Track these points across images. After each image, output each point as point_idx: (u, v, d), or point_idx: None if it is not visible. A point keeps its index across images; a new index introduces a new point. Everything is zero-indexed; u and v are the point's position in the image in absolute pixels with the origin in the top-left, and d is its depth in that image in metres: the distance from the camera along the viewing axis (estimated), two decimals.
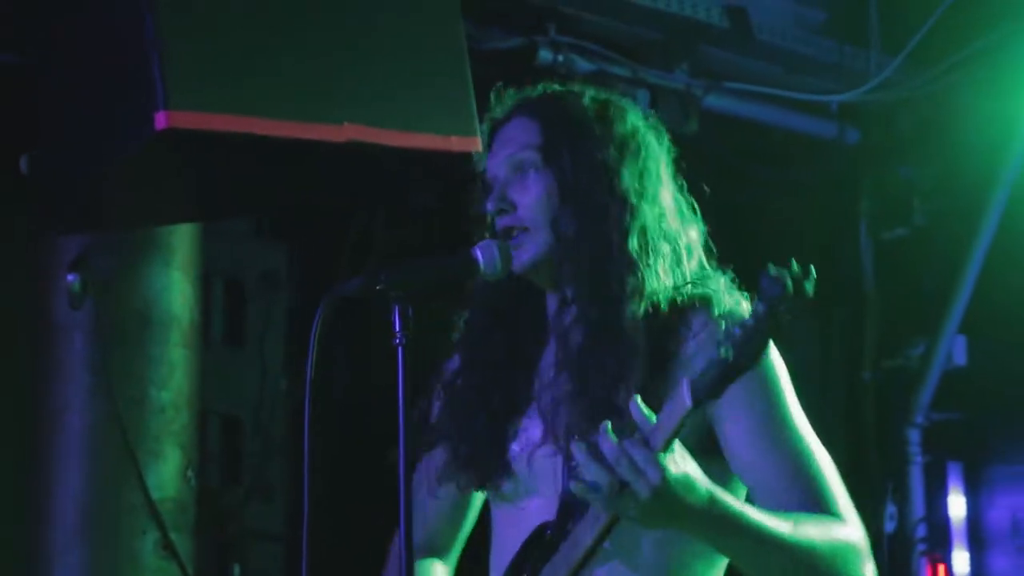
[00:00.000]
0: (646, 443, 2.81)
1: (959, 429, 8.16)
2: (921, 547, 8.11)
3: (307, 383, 3.18)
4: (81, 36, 4.59)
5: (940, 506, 8.16)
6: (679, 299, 3.23)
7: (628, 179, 3.26)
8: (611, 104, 3.38)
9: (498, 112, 3.42)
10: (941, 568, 8.10)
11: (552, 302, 3.33)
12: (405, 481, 3.05)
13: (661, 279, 3.23)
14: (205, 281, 6.38)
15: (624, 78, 7.11)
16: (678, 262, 3.28)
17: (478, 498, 3.58)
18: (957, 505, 8.12)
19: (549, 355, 3.33)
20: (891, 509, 8.09)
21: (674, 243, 3.29)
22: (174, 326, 5.84)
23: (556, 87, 3.44)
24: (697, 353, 3.04)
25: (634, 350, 3.16)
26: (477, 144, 4.45)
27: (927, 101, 7.95)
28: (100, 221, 5.33)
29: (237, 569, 6.87)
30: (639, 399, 2.85)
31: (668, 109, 7.21)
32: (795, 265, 2.67)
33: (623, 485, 2.81)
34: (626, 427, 2.88)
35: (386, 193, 5.34)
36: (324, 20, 4.47)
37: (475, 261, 3.23)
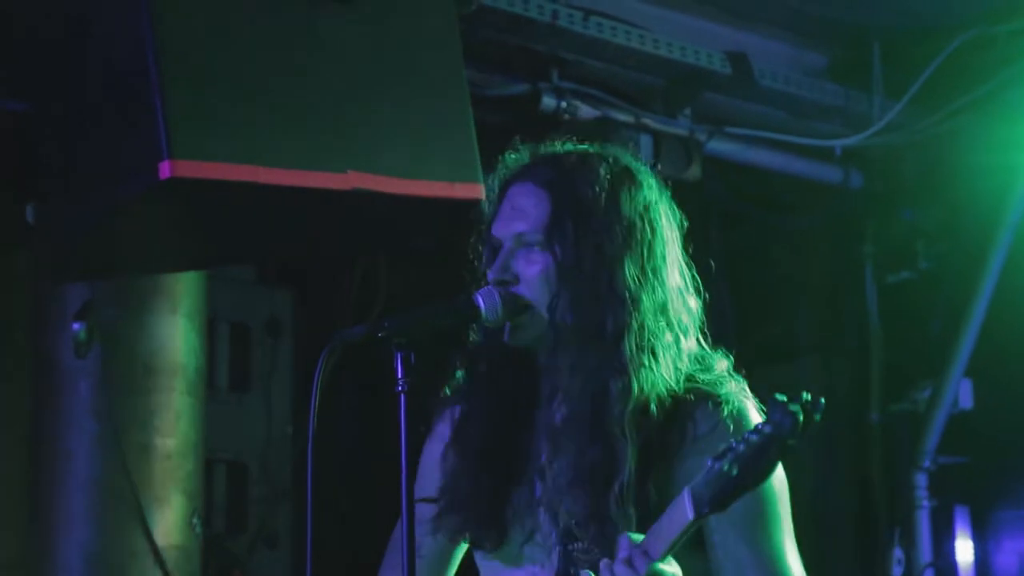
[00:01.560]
0: (645, 553, 2.84)
1: (966, 473, 8.14)
2: None
3: (310, 428, 3.18)
4: (85, 84, 4.61)
5: (948, 551, 8.13)
6: (683, 391, 3.22)
7: (631, 270, 3.22)
8: (626, 178, 3.31)
9: (514, 163, 3.39)
10: None
11: (546, 382, 3.32)
12: (408, 526, 3.05)
13: (660, 374, 3.21)
14: (210, 327, 6.39)
15: (627, 123, 7.13)
16: (679, 348, 3.26)
17: (458, 557, 3.56)
18: (964, 549, 8.09)
19: (546, 424, 3.31)
20: (898, 554, 8.07)
21: (676, 328, 3.27)
22: (179, 373, 5.86)
23: (574, 150, 3.38)
24: (701, 457, 2.99)
25: (621, 448, 3.14)
26: (480, 191, 4.46)
27: (931, 145, 7.97)
28: (105, 268, 5.34)
29: None
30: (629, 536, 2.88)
31: (671, 154, 7.23)
32: (805, 395, 2.68)
33: None
34: (613, 530, 2.94)
35: (390, 239, 5.34)
36: (328, 69, 4.49)
37: (477, 307, 3.23)
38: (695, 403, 3.20)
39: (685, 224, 3.40)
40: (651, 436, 3.17)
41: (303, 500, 3.27)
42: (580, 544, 3.03)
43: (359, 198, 4.45)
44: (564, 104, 6.87)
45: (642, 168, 3.39)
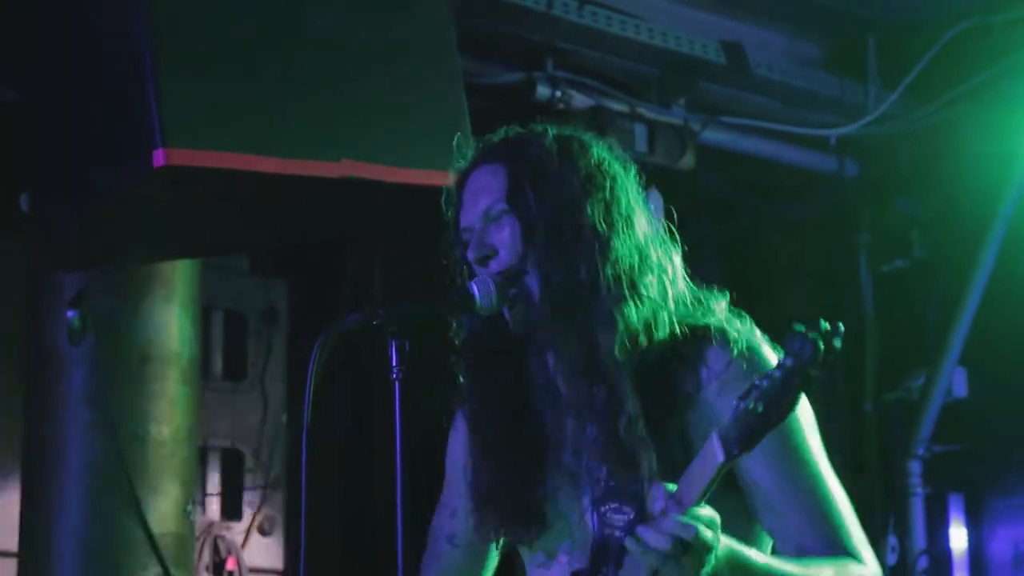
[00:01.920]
0: (680, 503, 2.83)
1: (960, 461, 8.16)
2: None
3: (305, 417, 3.19)
4: (80, 74, 4.61)
5: (941, 538, 8.15)
6: (686, 329, 3.23)
7: (594, 213, 3.23)
8: (573, 140, 3.34)
9: (463, 163, 3.42)
10: None
11: (540, 352, 3.32)
12: (403, 514, 3.06)
13: (649, 308, 3.22)
14: (205, 316, 6.39)
15: (621, 113, 7.13)
16: (665, 289, 3.28)
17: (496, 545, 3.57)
18: (958, 537, 8.11)
19: (552, 395, 3.32)
20: (892, 541, 8.09)
21: (658, 270, 3.28)
22: (174, 362, 5.86)
23: (518, 129, 3.42)
24: (721, 399, 3.02)
25: (619, 383, 3.15)
26: None
27: (926, 134, 7.98)
28: (100, 257, 5.35)
29: None
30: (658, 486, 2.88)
31: (665, 143, 7.23)
32: (824, 323, 2.68)
33: (685, 549, 2.82)
34: (640, 477, 2.91)
35: (384, 228, 5.35)
36: (321, 57, 4.49)
37: (471, 296, 3.24)
38: (705, 343, 3.18)
39: (643, 179, 3.41)
40: (654, 373, 3.17)
41: (298, 488, 3.26)
42: (613, 504, 3.02)
43: (353, 186, 4.45)
44: (559, 93, 6.88)
45: (591, 135, 3.41)
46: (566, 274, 3.20)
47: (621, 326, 3.16)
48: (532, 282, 3.23)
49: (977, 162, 7.85)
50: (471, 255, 3.29)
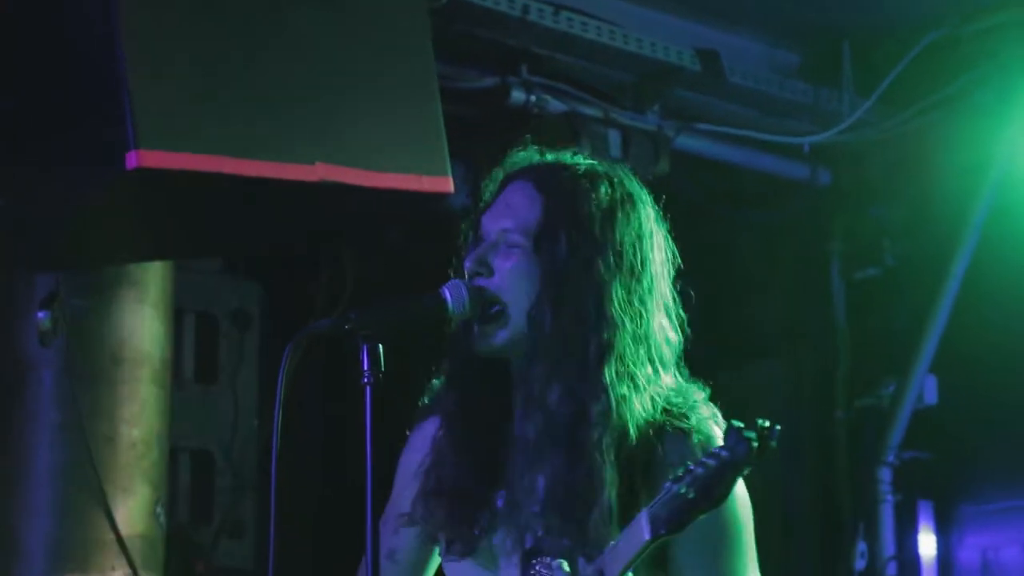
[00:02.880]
0: (601, 573, 2.84)
1: (930, 468, 8.18)
2: None
3: (275, 421, 3.19)
4: (53, 75, 4.60)
5: (911, 545, 8.17)
6: (659, 421, 3.20)
7: (619, 294, 3.20)
8: (627, 202, 3.28)
9: (517, 161, 3.37)
10: None
11: (519, 390, 3.30)
12: (373, 520, 3.06)
13: (638, 403, 3.18)
14: (177, 318, 6.37)
15: (596, 119, 7.14)
16: (658, 380, 3.24)
17: (433, 565, 3.56)
18: (928, 544, 8.13)
19: (518, 436, 3.30)
20: (862, 547, 8.10)
21: (656, 362, 3.24)
22: (145, 363, 5.84)
23: (580, 161, 3.36)
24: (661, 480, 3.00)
25: (602, 472, 3.13)
26: (448, 184, 4.47)
27: (898, 143, 8.00)
28: (72, 258, 5.33)
29: None
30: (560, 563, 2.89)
31: (639, 150, 7.24)
32: (761, 422, 2.69)
33: None
34: (588, 553, 2.94)
35: (358, 232, 5.35)
36: (296, 60, 4.49)
37: (444, 301, 3.23)
38: (668, 432, 3.17)
39: (678, 262, 3.37)
40: (627, 462, 3.16)
41: (268, 491, 3.26)
42: (542, 559, 3.03)
43: (327, 190, 4.45)
44: (533, 98, 6.88)
45: (645, 195, 3.36)
46: (574, 341, 3.17)
47: (615, 420, 3.15)
48: (536, 327, 3.20)
49: (949, 171, 7.87)
50: (467, 264, 3.27)
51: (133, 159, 4.12)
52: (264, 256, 7.25)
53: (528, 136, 3.45)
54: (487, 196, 3.38)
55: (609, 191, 3.27)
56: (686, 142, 7.54)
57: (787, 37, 7.83)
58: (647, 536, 2.78)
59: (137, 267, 5.83)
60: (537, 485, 3.19)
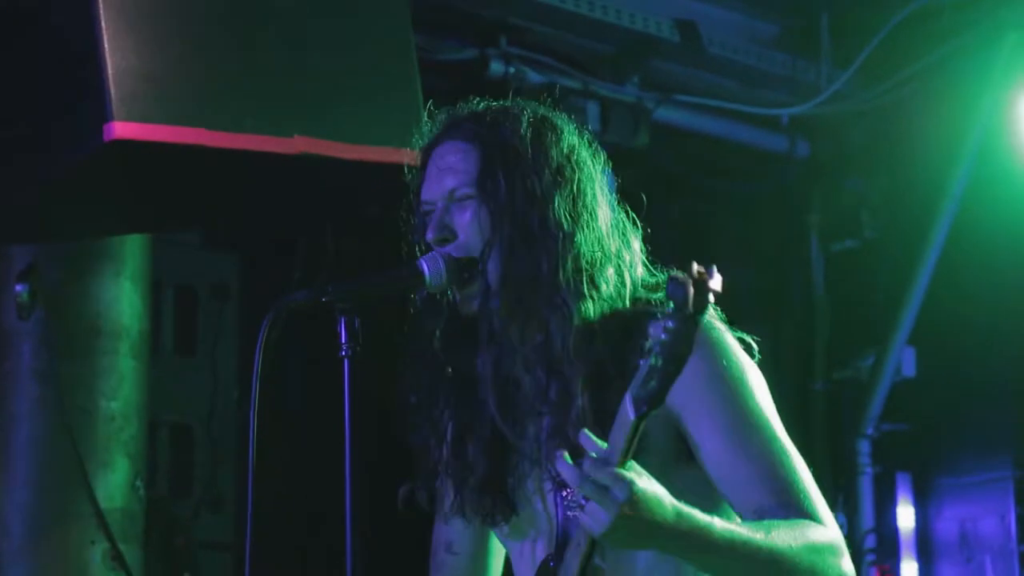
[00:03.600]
0: (605, 462, 2.82)
1: (908, 440, 8.21)
2: (870, 557, 8.15)
3: (253, 393, 3.19)
4: (31, 48, 4.58)
5: (889, 517, 8.20)
6: (632, 310, 3.23)
7: (561, 208, 3.23)
8: (547, 124, 3.33)
9: (432, 129, 3.40)
10: None
11: (493, 338, 3.30)
12: (352, 489, 3.06)
13: (603, 303, 3.21)
14: (155, 291, 6.36)
15: (575, 90, 7.13)
16: (623, 281, 3.28)
17: (497, 546, 3.56)
18: (906, 516, 8.16)
19: (504, 381, 3.31)
20: (841, 519, 8.12)
21: (616, 260, 3.28)
22: (124, 336, 5.83)
23: (492, 106, 3.40)
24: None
25: (576, 382, 3.15)
26: None
27: (877, 115, 8.01)
28: (50, 231, 5.32)
29: None
30: (587, 432, 2.87)
31: (618, 122, 7.24)
32: (695, 266, 2.68)
33: (586, 507, 2.82)
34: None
35: (337, 205, 5.34)
36: (274, 33, 4.47)
37: (421, 273, 3.23)
38: (648, 317, 3.15)
39: (608, 166, 3.41)
40: (606, 361, 3.16)
41: (248, 463, 3.26)
42: (572, 489, 3.03)
43: (306, 163, 4.44)
44: (512, 70, 6.87)
45: (560, 116, 3.40)
46: (528, 267, 3.20)
47: (577, 321, 3.17)
48: (491, 270, 3.23)
49: (927, 142, 7.88)
50: (430, 235, 3.28)
51: (110, 131, 4.11)
52: (242, 228, 7.24)
53: (428, 104, 3.47)
54: (414, 175, 3.38)
55: (529, 119, 3.32)
56: (665, 114, 7.54)
57: (766, 8, 7.82)
58: (631, 416, 2.76)
59: (115, 240, 5.82)
60: (532, 417, 3.21)
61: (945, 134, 7.74)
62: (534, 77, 6.97)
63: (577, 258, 3.21)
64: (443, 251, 3.25)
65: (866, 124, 8.14)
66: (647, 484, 2.83)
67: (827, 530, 3.08)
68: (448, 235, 3.26)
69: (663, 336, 2.69)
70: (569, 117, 3.43)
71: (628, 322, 3.20)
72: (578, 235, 3.23)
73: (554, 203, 3.23)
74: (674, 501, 2.87)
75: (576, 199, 3.26)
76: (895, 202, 8.23)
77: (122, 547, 5.74)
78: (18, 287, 5.70)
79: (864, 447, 8.21)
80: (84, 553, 5.70)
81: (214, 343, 7.34)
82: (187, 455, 7.21)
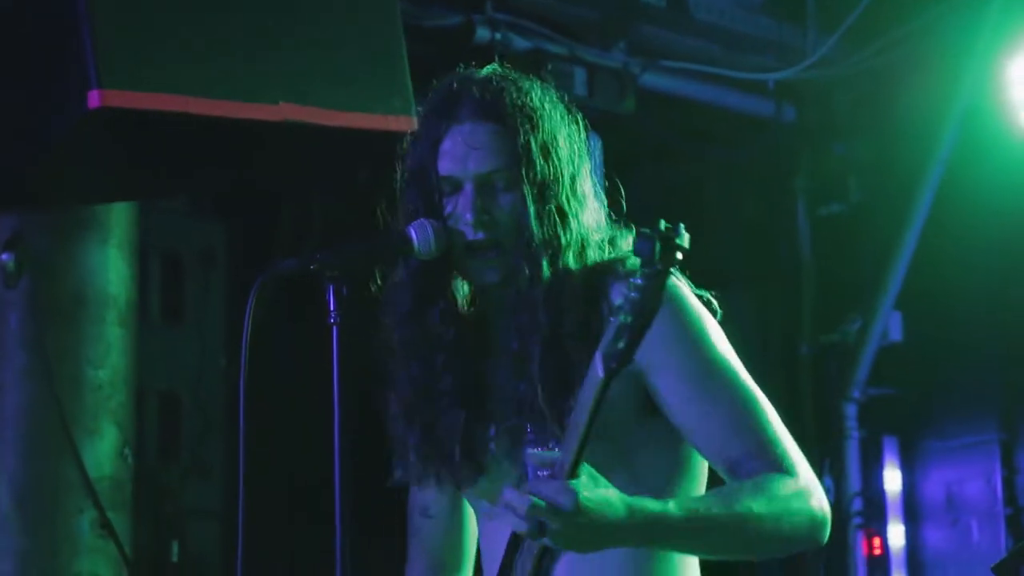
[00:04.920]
0: (551, 476, 2.83)
1: (895, 404, 8.24)
2: (857, 520, 8.19)
3: (242, 361, 3.18)
4: (14, 15, 4.56)
5: (876, 480, 8.23)
6: (596, 270, 3.23)
7: (574, 191, 3.25)
8: (551, 99, 3.32)
9: (449, 99, 3.37)
10: (876, 541, 8.18)
11: (510, 313, 3.31)
12: (341, 456, 3.06)
13: (586, 264, 3.23)
14: (142, 258, 6.36)
15: (561, 56, 7.12)
16: (602, 245, 3.29)
17: (470, 509, 3.57)
18: (893, 479, 8.19)
19: (496, 357, 3.32)
20: (827, 483, 8.16)
21: (601, 241, 3.28)
22: (111, 304, 5.82)
23: (506, 82, 3.33)
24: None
25: (536, 334, 3.16)
26: (413, 123, 4.44)
27: (863, 79, 8.01)
28: (35, 198, 5.30)
29: (175, 547, 6.86)
30: (532, 452, 2.90)
31: (605, 87, 7.23)
32: (662, 223, 2.68)
33: (541, 524, 2.83)
34: (540, 416, 2.97)
35: (323, 173, 5.33)
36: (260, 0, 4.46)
37: (410, 241, 3.23)
38: (608, 278, 3.18)
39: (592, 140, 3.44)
40: (569, 316, 3.18)
41: (235, 431, 3.26)
42: (531, 448, 3.03)
43: (292, 130, 4.43)
44: (498, 36, 6.86)
45: (550, 87, 3.39)
46: (551, 247, 3.20)
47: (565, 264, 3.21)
48: (518, 250, 3.22)
49: (914, 107, 7.89)
50: (469, 217, 3.25)
51: (95, 98, 4.09)
52: (230, 196, 7.23)
53: (441, 72, 3.46)
54: (426, 143, 3.36)
55: (542, 97, 3.32)
56: (652, 80, 7.53)
57: None
58: (600, 374, 2.76)
59: (101, 208, 5.81)
60: (518, 388, 3.21)
61: (932, 98, 7.74)
62: (520, 43, 6.96)
63: (581, 239, 3.23)
64: (477, 236, 3.24)
65: (853, 88, 8.15)
66: (594, 491, 2.83)
67: (795, 479, 3.05)
68: (488, 222, 3.24)
69: (631, 293, 2.70)
70: (555, 84, 3.43)
71: (591, 284, 3.20)
72: (583, 216, 3.24)
73: (573, 180, 3.24)
74: (625, 498, 2.88)
75: (582, 182, 3.28)
76: (882, 166, 8.24)
77: (110, 515, 5.74)
78: (4, 255, 5.69)
79: (851, 411, 8.24)
80: (72, 521, 5.70)
81: (201, 311, 7.35)
82: (175, 423, 7.22)
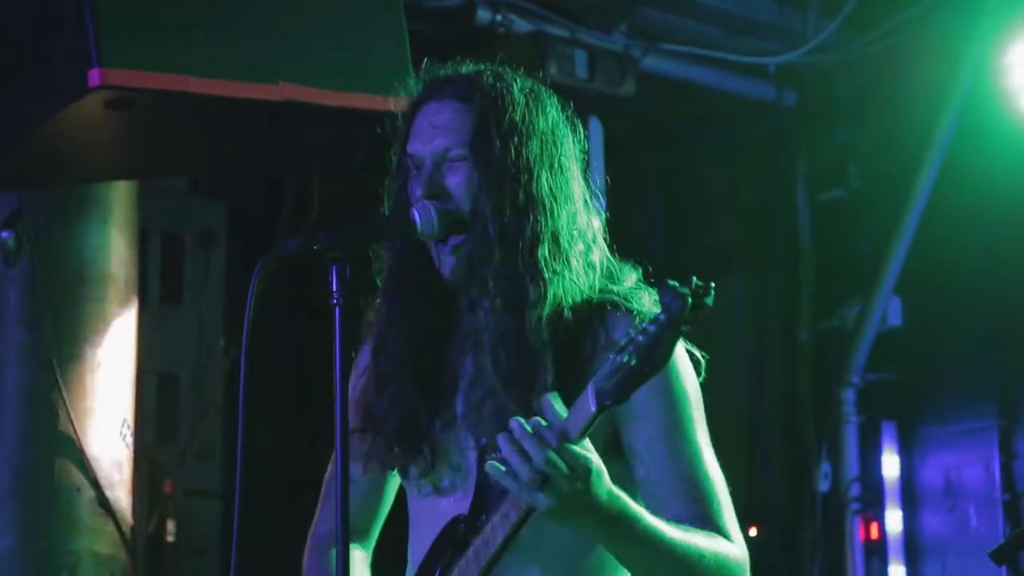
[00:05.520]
0: (565, 435, 2.85)
1: (893, 389, 8.23)
2: (855, 506, 8.19)
3: (244, 341, 3.19)
4: None
5: (874, 465, 8.23)
6: (595, 299, 3.27)
7: (545, 180, 3.28)
8: (535, 96, 3.36)
9: (423, 82, 3.40)
10: (874, 526, 8.18)
11: (466, 295, 3.32)
12: (342, 435, 3.07)
13: (573, 281, 3.26)
14: (142, 238, 6.35)
15: (562, 39, 7.11)
16: (588, 257, 3.31)
17: (394, 483, 3.59)
18: (891, 465, 8.19)
19: (463, 342, 3.33)
20: (826, 468, 8.17)
21: (586, 240, 3.31)
22: (110, 283, 5.83)
23: (484, 68, 3.40)
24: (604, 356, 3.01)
25: (540, 354, 3.19)
26: None
27: (864, 64, 8.00)
28: (35, 177, 5.30)
29: (173, 527, 6.86)
30: (553, 396, 2.90)
31: (605, 70, 7.22)
32: (695, 279, 2.70)
33: (545, 477, 2.84)
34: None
35: (323, 153, 5.32)
36: None
37: (413, 222, 3.24)
38: (610, 312, 3.24)
39: (585, 146, 3.44)
40: (568, 341, 3.21)
41: (234, 411, 3.26)
42: (499, 454, 3.05)
43: (292, 110, 4.43)
44: (499, 18, 6.84)
45: (546, 89, 3.43)
46: (512, 235, 3.22)
47: (551, 298, 3.20)
48: (477, 235, 3.24)
49: (914, 91, 7.89)
50: (419, 192, 3.28)
51: (96, 77, 4.09)
52: (230, 176, 7.22)
53: (426, 60, 3.47)
54: (401, 125, 3.39)
55: (522, 89, 3.36)
56: (652, 63, 7.52)
57: None
58: (592, 408, 2.82)
59: (101, 187, 5.81)
60: (484, 379, 3.22)
61: (932, 83, 7.74)
62: (521, 25, 6.95)
63: (555, 233, 3.26)
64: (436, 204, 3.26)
65: (853, 73, 8.14)
66: (598, 462, 2.92)
67: (737, 549, 3.19)
68: (440, 193, 3.27)
69: (639, 337, 2.74)
70: (546, 63, 3.43)
71: (590, 313, 3.25)
72: (557, 210, 3.27)
73: (540, 175, 3.26)
74: (610, 483, 2.96)
75: (558, 174, 3.29)
76: (882, 151, 8.23)
77: (108, 494, 5.75)
78: (4, 234, 5.69)
79: (849, 396, 8.24)
80: (71, 500, 5.71)
81: (200, 291, 7.33)
82: (173, 403, 7.21)
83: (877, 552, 8.16)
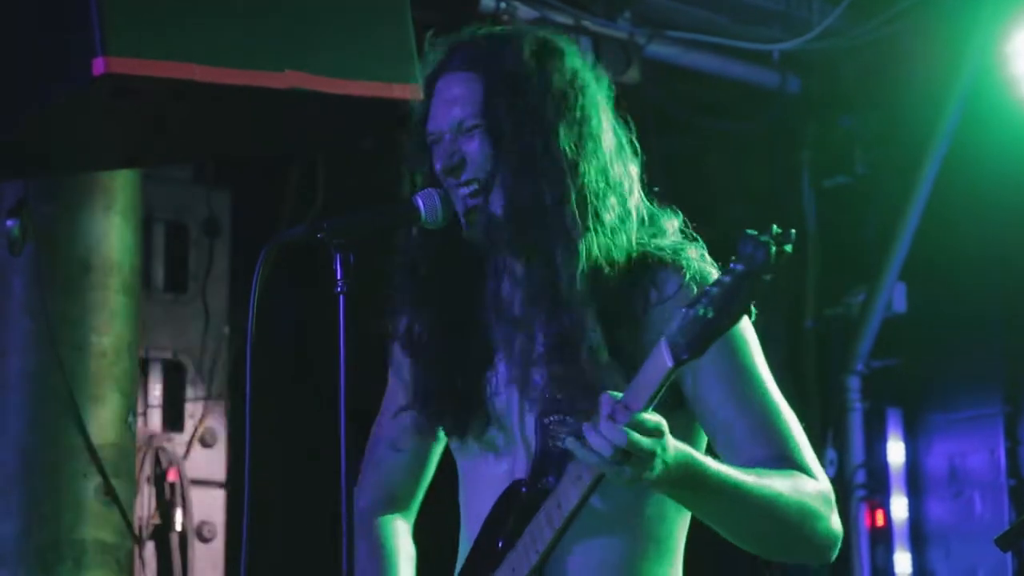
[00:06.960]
0: (638, 401, 2.84)
1: (899, 376, 8.23)
2: (860, 492, 8.19)
3: (249, 329, 3.19)
4: None
5: (879, 452, 8.23)
6: (641, 255, 3.24)
7: (565, 136, 3.24)
8: (548, 49, 3.33)
9: (435, 58, 3.40)
10: (879, 513, 8.18)
11: (492, 263, 3.32)
12: (346, 424, 3.07)
13: (608, 236, 3.22)
14: (146, 226, 6.35)
15: (566, 26, 7.10)
16: (625, 210, 3.28)
17: (437, 452, 3.58)
18: (896, 451, 8.19)
19: (500, 306, 3.32)
20: (831, 455, 8.17)
21: (619, 191, 3.28)
22: (115, 272, 5.83)
23: (495, 32, 3.40)
24: (672, 314, 2.95)
25: (580, 313, 3.16)
26: (418, 91, 4.41)
27: (869, 50, 7.99)
28: (40, 166, 5.30)
29: (178, 515, 6.86)
30: (611, 394, 2.88)
31: (610, 57, 7.21)
32: (776, 227, 2.68)
33: (626, 454, 2.83)
34: (591, 395, 2.92)
35: (328, 140, 5.32)
36: None
37: (417, 209, 3.24)
38: (656, 268, 3.22)
39: (612, 88, 3.41)
40: (612, 299, 3.19)
41: (240, 399, 3.27)
42: (556, 417, 3.04)
43: (296, 98, 4.42)
44: (503, 4, 6.84)
45: (563, 38, 3.40)
46: (532, 195, 3.21)
47: (584, 255, 3.18)
48: (495, 200, 3.23)
49: (919, 78, 7.87)
50: (439, 165, 3.28)
51: (100, 66, 4.08)
52: (235, 164, 7.22)
53: (429, 34, 3.47)
54: (418, 107, 3.39)
55: (532, 44, 3.33)
56: (657, 50, 7.52)
57: None
58: (670, 364, 2.78)
59: (106, 175, 5.81)
60: (526, 346, 3.21)
61: (937, 70, 7.72)
62: (525, 12, 6.94)
63: (582, 188, 3.22)
64: (455, 182, 3.25)
65: (858, 60, 8.12)
66: (663, 422, 2.88)
67: (819, 483, 3.15)
68: (456, 163, 3.26)
69: (715, 290, 2.70)
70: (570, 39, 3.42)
71: (637, 268, 3.23)
72: (582, 164, 3.23)
73: (559, 131, 3.23)
74: (684, 447, 2.94)
75: (581, 126, 3.26)
76: (887, 138, 8.22)
77: (114, 482, 5.76)
78: (9, 222, 5.69)
79: (854, 383, 8.23)
80: (77, 487, 5.72)
81: (205, 279, 7.32)
82: (178, 391, 7.21)
83: (882, 539, 8.16)
